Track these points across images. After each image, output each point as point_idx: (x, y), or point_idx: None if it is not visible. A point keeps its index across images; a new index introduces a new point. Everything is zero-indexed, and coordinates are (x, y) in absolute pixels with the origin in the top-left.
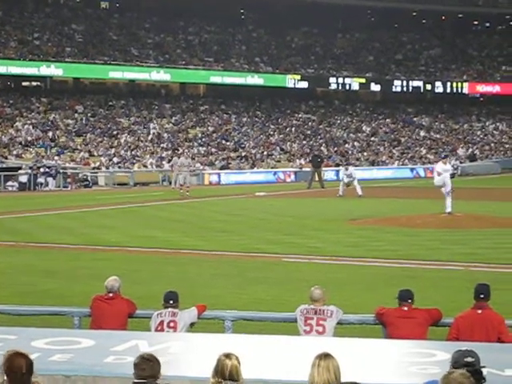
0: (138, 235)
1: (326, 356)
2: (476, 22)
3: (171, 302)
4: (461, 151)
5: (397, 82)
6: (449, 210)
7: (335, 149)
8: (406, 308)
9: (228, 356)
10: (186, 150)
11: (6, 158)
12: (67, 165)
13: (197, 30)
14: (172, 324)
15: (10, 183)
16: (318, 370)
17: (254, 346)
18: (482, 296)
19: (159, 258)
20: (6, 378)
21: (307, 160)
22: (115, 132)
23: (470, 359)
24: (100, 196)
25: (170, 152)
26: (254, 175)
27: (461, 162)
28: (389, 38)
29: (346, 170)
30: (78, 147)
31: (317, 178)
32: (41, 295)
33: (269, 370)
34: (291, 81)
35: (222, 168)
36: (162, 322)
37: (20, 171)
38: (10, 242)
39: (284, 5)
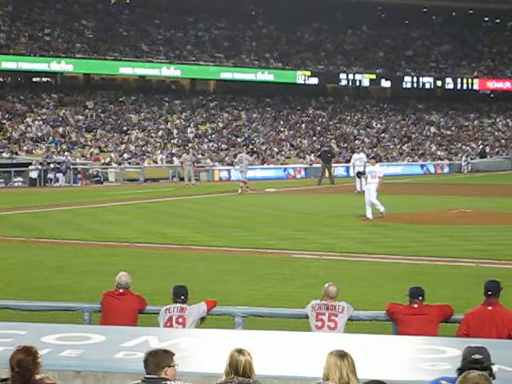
0: (149, 231)
1: (341, 354)
2: (486, 18)
3: (182, 297)
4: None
5: (407, 79)
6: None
7: (345, 145)
8: (416, 305)
9: (241, 352)
10: (196, 146)
11: (17, 154)
12: (77, 161)
13: (207, 26)
14: (181, 320)
15: (20, 179)
16: (335, 368)
17: (265, 342)
18: (491, 293)
19: (169, 254)
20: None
21: (317, 156)
22: (125, 128)
23: (477, 356)
24: (110, 192)
25: (180, 148)
26: (264, 171)
27: (471, 159)
28: (399, 34)
29: (358, 154)
30: (88, 143)
31: (327, 175)
32: (51, 291)
33: (279, 366)
34: (301, 77)
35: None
36: (170, 318)
37: (30, 167)
38: (21, 237)
39: (294, 1)
